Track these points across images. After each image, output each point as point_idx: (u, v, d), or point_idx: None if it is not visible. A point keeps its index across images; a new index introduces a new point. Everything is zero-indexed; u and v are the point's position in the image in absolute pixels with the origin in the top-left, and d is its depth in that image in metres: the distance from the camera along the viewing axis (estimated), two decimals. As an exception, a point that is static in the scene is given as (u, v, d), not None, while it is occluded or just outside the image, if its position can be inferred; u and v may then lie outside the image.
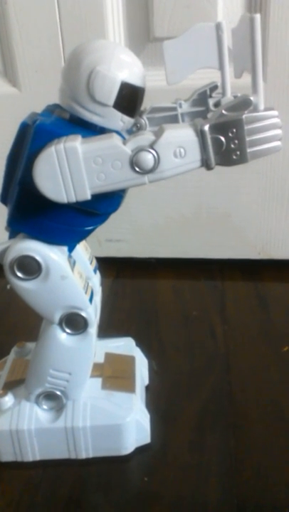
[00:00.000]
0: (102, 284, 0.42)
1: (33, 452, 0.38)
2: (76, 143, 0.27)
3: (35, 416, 0.37)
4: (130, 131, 0.33)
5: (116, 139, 0.28)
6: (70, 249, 0.35)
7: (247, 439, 0.39)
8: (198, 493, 0.35)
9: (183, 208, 0.63)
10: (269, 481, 0.36)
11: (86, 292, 0.35)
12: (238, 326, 0.54)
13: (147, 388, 0.44)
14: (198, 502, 0.35)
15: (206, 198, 0.62)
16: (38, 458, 0.38)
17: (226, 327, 0.54)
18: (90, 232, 0.33)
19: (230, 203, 0.62)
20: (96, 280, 0.40)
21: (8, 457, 0.38)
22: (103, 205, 0.31)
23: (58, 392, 0.37)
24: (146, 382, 0.45)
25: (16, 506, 0.35)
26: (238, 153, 0.27)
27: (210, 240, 0.65)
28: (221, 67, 0.34)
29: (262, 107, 0.28)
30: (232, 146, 0.27)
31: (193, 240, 0.65)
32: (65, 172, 0.27)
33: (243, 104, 0.28)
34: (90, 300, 0.35)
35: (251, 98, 0.28)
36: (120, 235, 0.65)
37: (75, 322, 0.35)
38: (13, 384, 0.39)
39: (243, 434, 0.40)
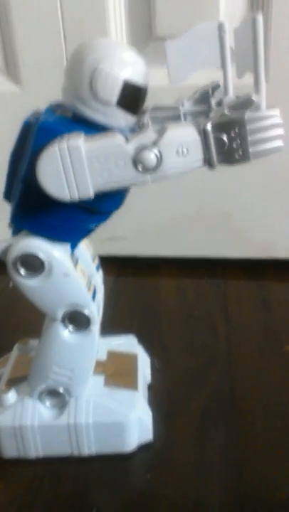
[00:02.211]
0: (104, 282, 0.42)
1: (36, 448, 0.38)
2: (79, 141, 0.27)
3: (38, 412, 0.37)
4: (133, 130, 0.33)
5: (119, 138, 0.28)
6: (73, 247, 0.35)
7: (249, 437, 0.39)
8: (200, 491, 0.35)
9: (185, 207, 0.63)
10: (272, 479, 0.36)
11: (89, 290, 0.35)
12: (241, 324, 0.54)
13: (149, 386, 0.44)
14: (200, 500, 0.35)
15: (209, 197, 0.63)
16: (40, 454, 0.38)
17: (228, 326, 0.54)
18: (92, 230, 0.33)
19: (233, 201, 0.63)
20: (98, 278, 0.41)
21: (11, 453, 0.38)
22: (105, 203, 0.31)
23: (61, 389, 0.37)
24: (149, 379, 0.45)
25: (19, 502, 0.35)
26: (240, 152, 0.28)
27: (212, 239, 0.65)
28: (223, 67, 0.34)
29: (264, 106, 0.28)
30: (234, 145, 0.27)
31: (195, 238, 0.65)
32: (68, 170, 0.28)
33: (246, 103, 0.28)
34: (93, 297, 0.35)
35: (253, 97, 0.28)
36: (122, 233, 0.66)
37: (77, 319, 0.35)
38: (16, 380, 0.40)
39: (245, 432, 0.40)
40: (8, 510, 0.35)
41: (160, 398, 0.43)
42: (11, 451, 0.38)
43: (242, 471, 0.37)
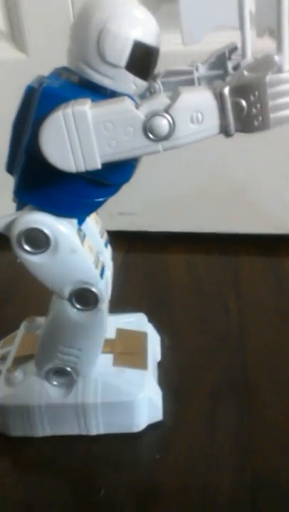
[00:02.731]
0: (113, 258, 0.41)
1: (43, 428, 0.37)
2: (85, 107, 0.25)
3: (45, 392, 0.37)
4: (143, 97, 0.31)
5: (128, 103, 0.26)
6: (80, 222, 0.33)
7: (261, 416, 0.38)
8: (210, 472, 0.35)
9: (197, 180, 0.61)
10: (284, 460, 0.35)
11: (97, 267, 0.34)
12: (253, 302, 0.53)
13: (159, 365, 0.43)
14: (210, 481, 0.34)
15: (222, 170, 0.60)
16: (48, 433, 0.38)
17: (239, 303, 0.52)
18: (100, 204, 0.32)
19: (246, 175, 0.60)
20: (107, 254, 0.39)
21: (18, 432, 0.38)
22: (114, 175, 0.29)
23: (69, 368, 0.36)
24: (159, 358, 0.44)
25: (27, 481, 0.35)
26: (260, 118, 0.25)
27: (224, 214, 0.63)
28: (241, 26, 0.31)
29: (287, 67, 0.26)
30: (254, 110, 0.25)
31: (207, 213, 0.63)
32: (74, 139, 0.26)
33: (266, 64, 0.25)
34: (101, 275, 0.34)
35: (275, 58, 0.25)
36: (132, 208, 0.64)
37: (85, 298, 0.33)
38: (23, 359, 0.39)
39: (257, 411, 0.39)
40: (16, 488, 0.34)
41: (170, 377, 0.42)
42: (17, 430, 0.37)
43: (253, 452, 0.36)
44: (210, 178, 0.61)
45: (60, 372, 0.37)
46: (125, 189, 0.31)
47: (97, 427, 0.37)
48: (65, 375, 0.37)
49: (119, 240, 0.46)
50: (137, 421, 0.37)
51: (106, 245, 0.39)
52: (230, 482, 0.34)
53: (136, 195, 0.62)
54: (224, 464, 0.35)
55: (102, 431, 0.38)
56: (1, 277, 0.58)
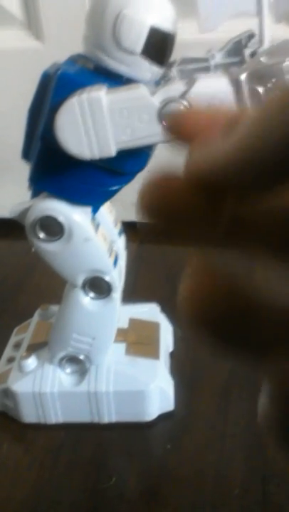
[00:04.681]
0: (127, 248, 0.41)
1: (56, 415, 0.38)
2: (100, 93, 0.25)
3: (58, 379, 0.37)
4: (158, 84, 0.31)
5: (143, 90, 0.26)
6: (94, 211, 0.33)
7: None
8: (221, 463, 0.35)
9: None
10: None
11: (110, 256, 0.34)
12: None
13: (172, 355, 0.43)
14: (221, 472, 0.34)
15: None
16: (60, 420, 0.38)
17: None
18: (114, 192, 0.31)
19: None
20: (121, 243, 0.39)
21: (31, 419, 0.38)
22: (129, 163, 0.29)
23: (81, 357, 0.37)
24: (171, 348, 0.44)
25: (39, 466, 0.35)
26: (277, 105, 0.25)
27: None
28: (259, 12, 0.31)
29: (305, 53, 0.25)
30: (271, 97, 0.25)
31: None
32: (88, 125, 0.26)
33: (284, 50, 0.25)
34: (115, 264, 0.34)
35: (294, 43, 0.25)
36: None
37: (98, 286, 0.34)
38: (37, 346, 0.39)
39: (269, 404, 0.39)
40: (29, 472, 0.35)
41: (182, 367, 0.42)
42: (31, 417, 0.38)
43: (265, 443, 0.35)
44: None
45: (73, 360, 0.37)
46: (138, 178, 0.31)
47: (109, 415, 0.38)
48: (78, 363, 0.37)
49: (133, 230, 0.46)
50: (149, 410, 0.37)
51: (120, 235, 0.39)
52: (241, 473, 0.34)
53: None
54: (235, 455, 0.35)
55: (113, 419, 0.38)
56: (15, 266, 0.59)
